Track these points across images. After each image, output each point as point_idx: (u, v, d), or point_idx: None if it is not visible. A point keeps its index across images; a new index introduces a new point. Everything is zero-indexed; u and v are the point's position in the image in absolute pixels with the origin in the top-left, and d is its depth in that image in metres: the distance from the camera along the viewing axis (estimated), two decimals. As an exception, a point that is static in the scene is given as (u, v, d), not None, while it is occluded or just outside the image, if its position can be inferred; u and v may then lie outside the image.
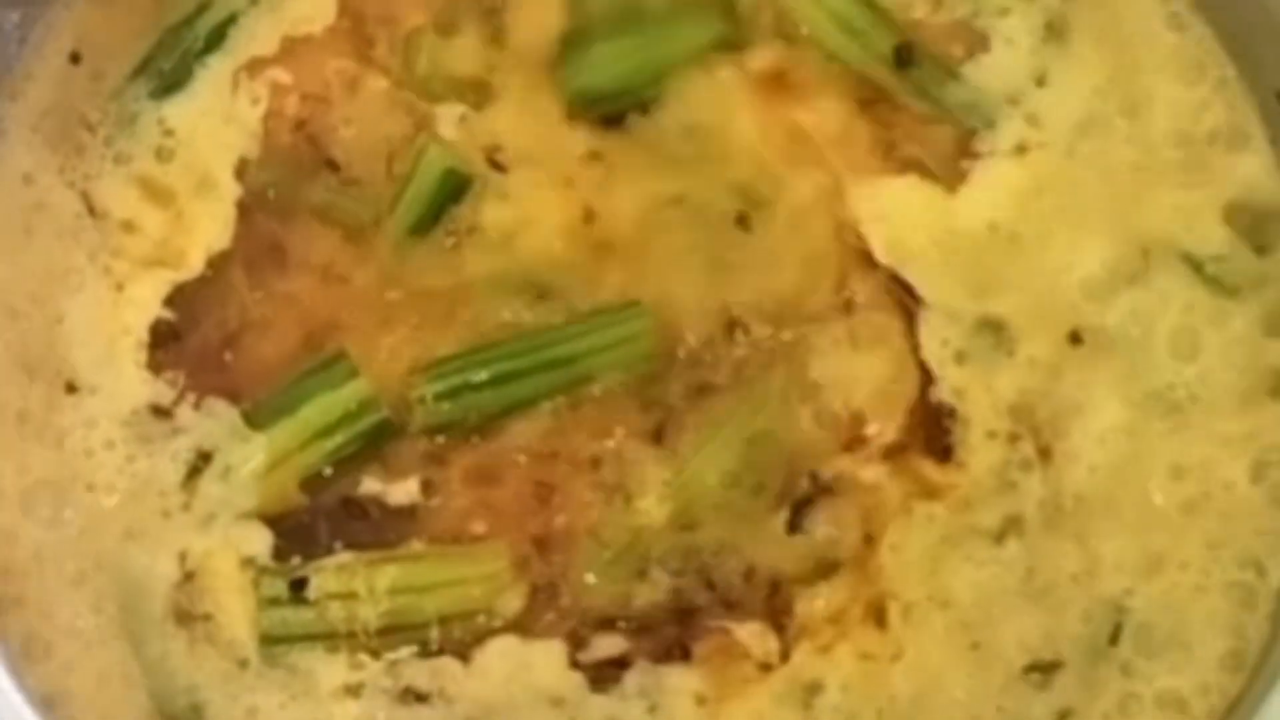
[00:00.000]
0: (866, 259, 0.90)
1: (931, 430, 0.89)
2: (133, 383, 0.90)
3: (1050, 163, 0.91)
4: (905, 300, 0.90)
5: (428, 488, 0.89)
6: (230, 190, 0.91)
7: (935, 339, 0.90)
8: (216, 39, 0.92)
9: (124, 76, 0.92)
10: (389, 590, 0.87)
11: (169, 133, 0.92)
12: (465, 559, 0.88)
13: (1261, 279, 0.90)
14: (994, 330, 0.90)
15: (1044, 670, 0.88)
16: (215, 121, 0.92)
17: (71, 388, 0.90)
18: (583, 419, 0.89)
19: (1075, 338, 0.90)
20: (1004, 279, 0.90)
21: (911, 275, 0.90)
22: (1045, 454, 0.89)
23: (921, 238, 0.90)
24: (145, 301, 0.91)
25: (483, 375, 0.88)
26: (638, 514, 0.88)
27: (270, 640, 0.88)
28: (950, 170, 0.91)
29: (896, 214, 0.90)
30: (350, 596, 0.87)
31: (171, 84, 0.92)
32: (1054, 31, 0.91)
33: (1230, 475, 0.89)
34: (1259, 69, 0.90)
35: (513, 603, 0.88)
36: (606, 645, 0.88)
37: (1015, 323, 0.90)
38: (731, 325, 0.90)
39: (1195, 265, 0.90)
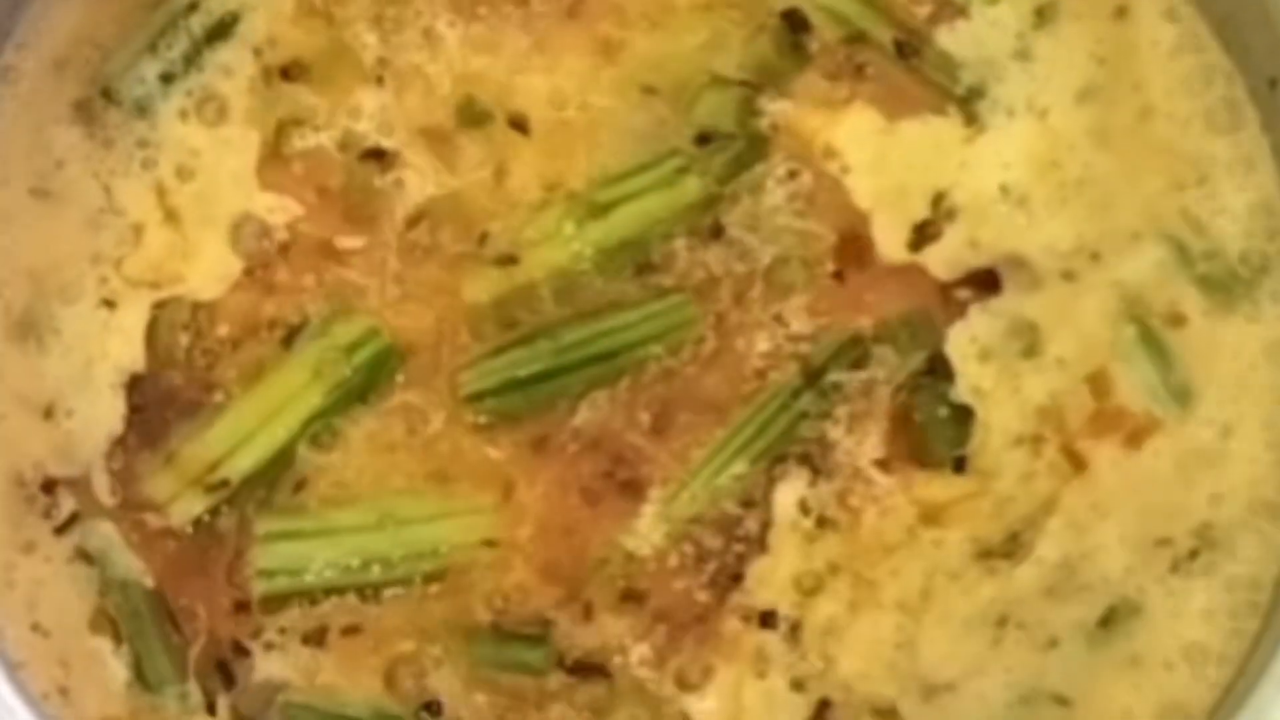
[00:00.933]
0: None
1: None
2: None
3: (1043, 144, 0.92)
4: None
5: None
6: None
7: (964, 336, 0.90)
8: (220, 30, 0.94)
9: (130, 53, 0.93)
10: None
11: (194, 153, 0.93)
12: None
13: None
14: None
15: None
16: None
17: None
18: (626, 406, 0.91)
19: None
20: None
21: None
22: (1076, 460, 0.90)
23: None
24: (129, 331, 0.92)
25: (531, 369, 0.90)
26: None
27: None
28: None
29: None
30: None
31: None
32: (1043, 17, 0.92)
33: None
34: (1249, 57, 0.91)
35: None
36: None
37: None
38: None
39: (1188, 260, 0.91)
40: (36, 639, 0.91)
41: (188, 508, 0.90)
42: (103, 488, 0.91)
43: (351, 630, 0.89)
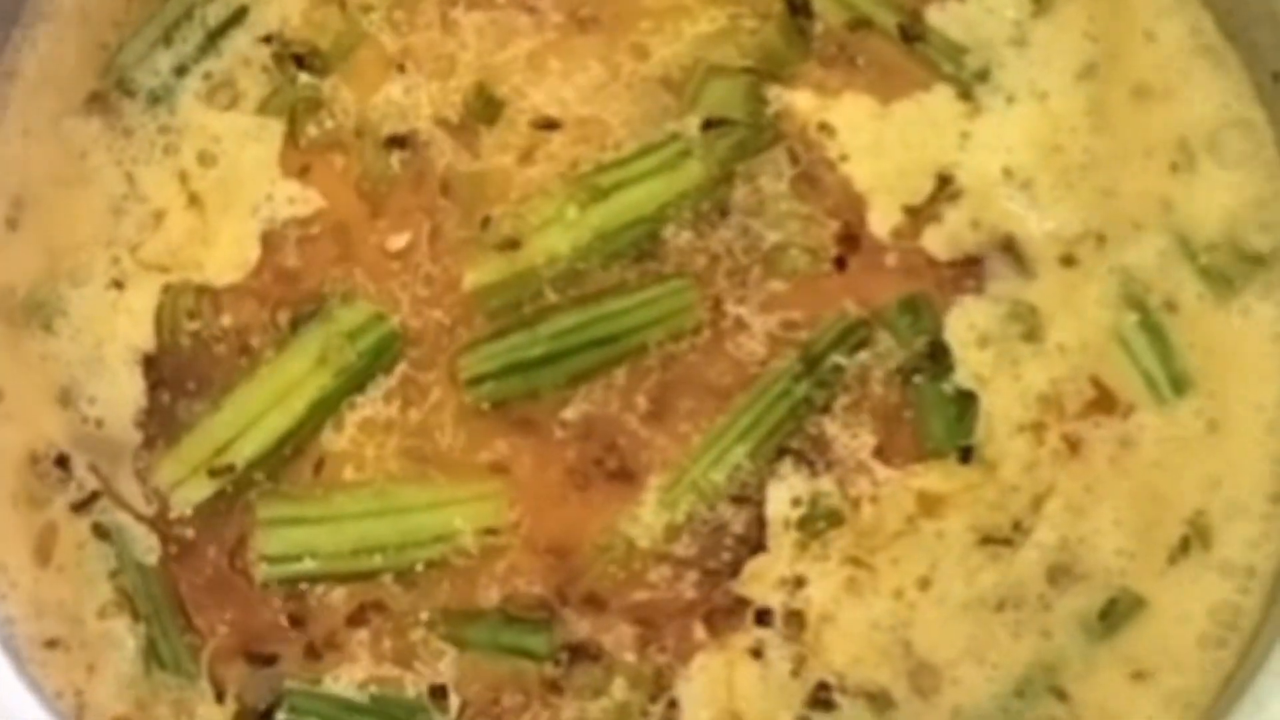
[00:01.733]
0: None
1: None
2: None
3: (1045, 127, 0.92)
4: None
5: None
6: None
7: (962, 322, 0.90)
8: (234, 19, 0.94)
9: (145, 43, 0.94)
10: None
11: (216, 139, 0.94)
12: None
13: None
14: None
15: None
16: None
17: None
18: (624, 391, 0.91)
19: None
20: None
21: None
22: (1073, 446, 0.90)
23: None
24: (138, 313, 0.92)
25: (532, 353, 0.90)
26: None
27: None
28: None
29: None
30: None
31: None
32: (1040, 5, 0.92)
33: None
34: (1256, 51, 0.91)
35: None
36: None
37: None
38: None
39: (1190, 251, 0.91)
40: (53, 653, 0.91)
41: (193, 493, 0.90)
42: (128, 479, 0.92)
43: (355, 617, 0.90)
